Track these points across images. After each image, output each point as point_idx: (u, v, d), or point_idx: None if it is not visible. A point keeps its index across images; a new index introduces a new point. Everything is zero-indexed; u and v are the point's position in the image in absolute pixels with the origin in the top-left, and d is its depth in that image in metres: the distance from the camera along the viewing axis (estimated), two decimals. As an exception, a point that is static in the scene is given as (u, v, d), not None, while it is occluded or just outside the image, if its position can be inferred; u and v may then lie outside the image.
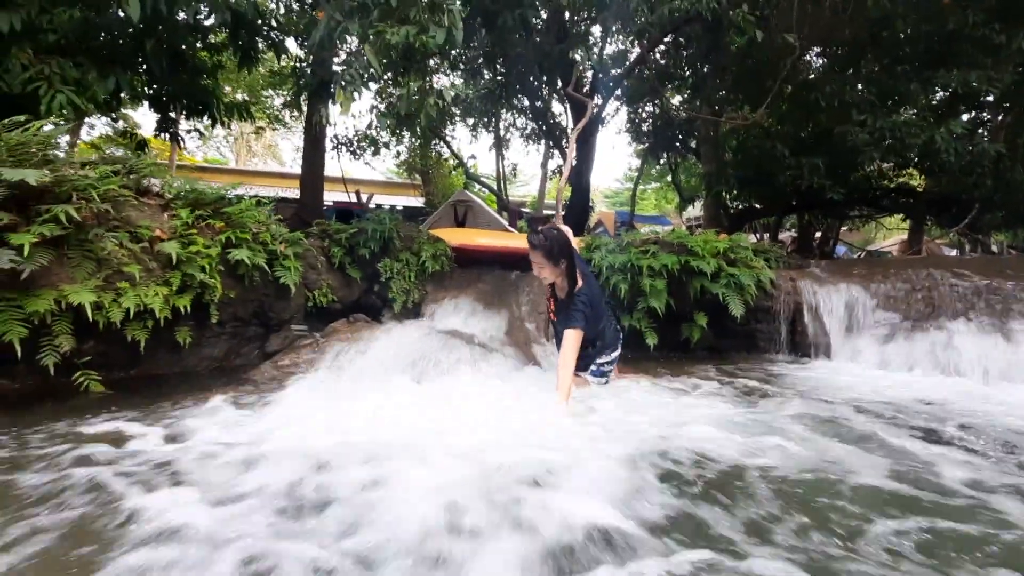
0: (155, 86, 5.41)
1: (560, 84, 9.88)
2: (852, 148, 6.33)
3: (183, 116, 5.76)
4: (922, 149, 5.97)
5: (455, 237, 4.74)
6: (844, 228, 17.04)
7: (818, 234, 13.69)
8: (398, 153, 14.71)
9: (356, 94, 3.44)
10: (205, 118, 5.64)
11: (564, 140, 11.73)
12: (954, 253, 14.29)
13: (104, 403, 2.68)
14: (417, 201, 18.39)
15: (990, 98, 8.23)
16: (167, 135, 5.83)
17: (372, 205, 16.18)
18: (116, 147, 9.77)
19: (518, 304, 4.20)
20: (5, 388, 2.76)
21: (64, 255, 2.71)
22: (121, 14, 4.47)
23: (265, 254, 3.45)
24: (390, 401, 2.46)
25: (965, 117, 9.05)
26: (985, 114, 9.36)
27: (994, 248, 15.88)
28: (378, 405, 2.38)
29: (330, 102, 7.05)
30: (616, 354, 2.92)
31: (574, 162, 5.03)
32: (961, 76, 6.17)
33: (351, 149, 12.77)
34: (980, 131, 8.83)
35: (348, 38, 3.37)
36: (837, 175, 6.70)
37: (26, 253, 2.40)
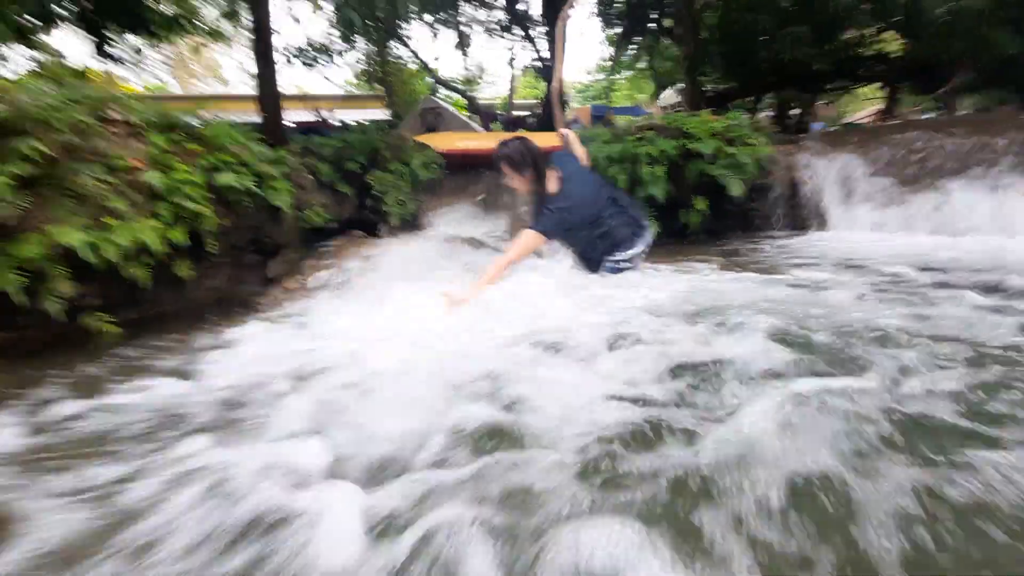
0: (82, 3, 4.82)
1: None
2: (834, 15, 6.05)
3: (119, 35, 5.19)
4: (907, 8, 5.73)
5: (439, 143, 4.54)
6: (821, 103, 16.81)
7: (793, 112, 13.50)
8: (358, 61, 13.65)
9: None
10: (139, 33, 5.10)
11: (534, 29, 11.00)
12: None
13: (129, 344, 2.66)
14: (382, 113, 17.37)
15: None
16: (105, 58, 5.29)
17: (335, 122, 15.31)
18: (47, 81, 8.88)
19: (516, 205, 4.14)
20: (8, 339, 2.68)
21: (40, 195, 2.53)
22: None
23: (252, 177, 3.27)
24: (412, 303, 2.48)
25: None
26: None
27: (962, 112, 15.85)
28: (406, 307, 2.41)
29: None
30: (635, 250, 2.91)
31: (563, 52, 4.71)
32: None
33: (304, 60, 11.81)
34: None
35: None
36: (819, 46, 6.47)
37: (4, 194, 2.23)
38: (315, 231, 3.99)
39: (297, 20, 10.62)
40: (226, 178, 3.09)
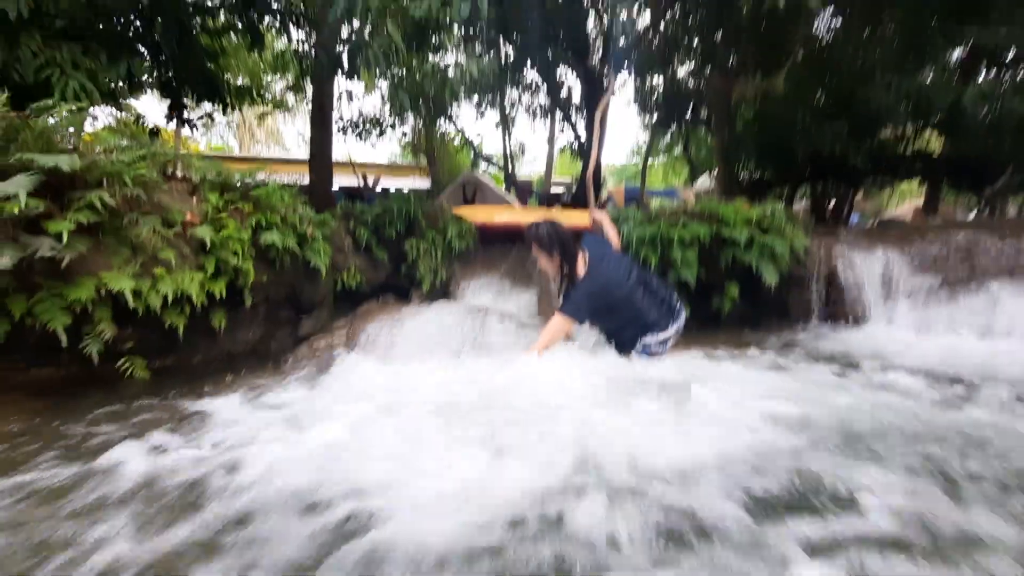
0: (164, 71, 5.33)
1: (569, 57, 9.69)
2: (876, 112, 6.18)
3: (194, 101, 5.68)
4: (950, 110, 5.81)
5: (476, 215, 4.68)
6: (858, 197, 16.83)
7: (831, 203, 13.52)
8: (404, 134, 14.51)
9: (379, 71, 3.36)
10: (215, 103, 5.56)
11: (574, 114, 11.56)
12: (970, 219, 14.10)
13: (156, 388, 2.70)
14: (423, 182, 18.22)
15: (1010, 55, 8.00)
16: (178, 121, 5.76)
17: (378, 189, 16.08)
18: (124, 137, 9.73)
19: (544, 281, 4.16)
20: (51, 376, 2.77)
21: (99, 242, 2.69)
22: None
23: (295, 236, 3.42)
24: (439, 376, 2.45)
25: (982, 77, 8.84)
26: (1005, 73, 9.11)
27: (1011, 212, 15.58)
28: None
29: (338, 79, 6.92)
30: (666, 334, 2.86)
31: (601, 139, 4.93)
32: (992, 33, 5.98)
33: (357, 131, 12.63)
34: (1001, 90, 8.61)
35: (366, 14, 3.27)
36: (859, 141, 6.56)
37: (64, 241, 2.37)
38: (348, 293, 4.08)
39: (350, 97, 11.41)
40: (271, 237, 3.23)
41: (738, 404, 2.02)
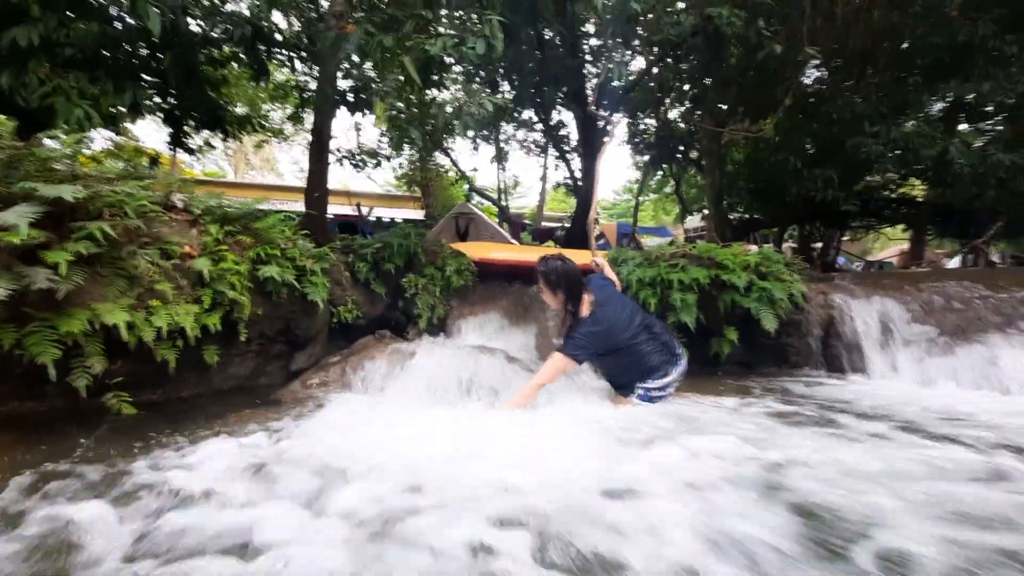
0: (168, 100, 5.36)
1: (565, 98, 9.94)
2: (865, 159, 6.36)
3: (196, 130, 5.70)
4: (936, 160, 6.01)
5: (475, 251, 4.68)
6: (844, 239, 17.21)
7: (818, 244, 13.78)
8: (401, 165, 14.66)
9: (391, 105, 3.39)
10: (215, 131, 5.59)
11: (569, 152, 11.79)
12: (954, 263, 14.43)
13: (148, 425, 2.60)
14: (417, 213, 18.35)
15: (988, 108, 8.34)
16: (178, 148, 5.76)
17: (371, 218, 16.14)
18: (119, 161, 9.73)
19: (543, 319, 4.14)
20: (34, 410, 2.66)
21: (96, 273, 2.63)
22: (137, 26, 4.43)
23: (294, 270, 3.38)
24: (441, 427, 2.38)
25: (963, 127, 9.18)
26: (986, 124, 9.48)
27: (994, 258, 15.91)
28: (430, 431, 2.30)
29: (341, 112, 7.02)
30: (668, 379, 2.84)
31: (600, 179, 5.02)
32: (974, 87, 6.25)
33: (354, 162, 12.73)
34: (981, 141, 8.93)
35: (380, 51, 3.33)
36: (847, 186, 6.73)
37: (63, 272, 2.32)
38: (343, 327, 4.02)
39: (358, 129, 11.56)
40: (270, 270, 3.19)
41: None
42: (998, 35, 6.64)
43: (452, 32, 3.21)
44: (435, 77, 4.21)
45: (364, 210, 15.77)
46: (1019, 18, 6.94)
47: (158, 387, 3.15)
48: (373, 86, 3.43)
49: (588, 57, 9.43)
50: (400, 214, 18.54)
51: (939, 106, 7.55)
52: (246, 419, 2.68)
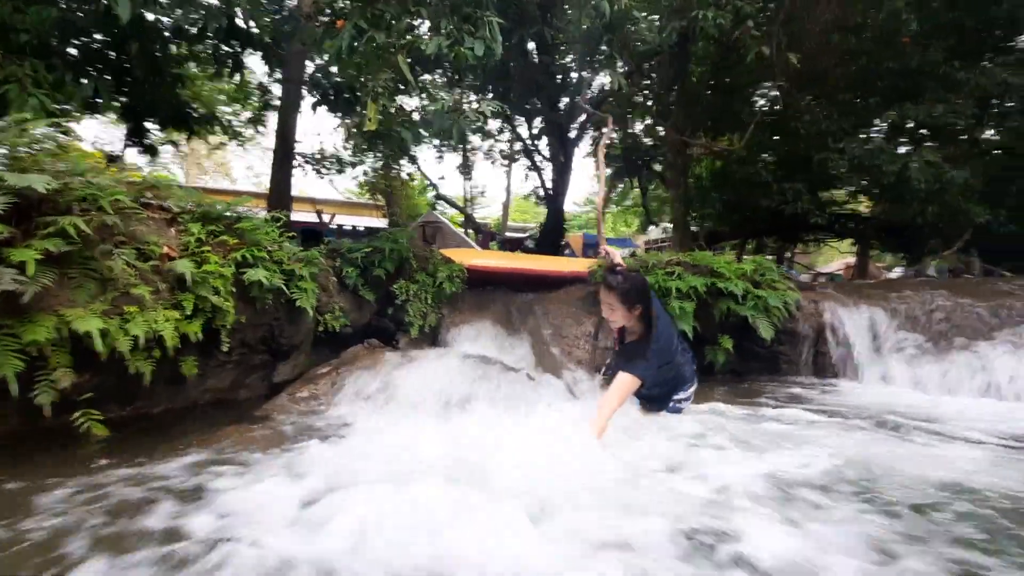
0: (128, 95, 4.98)
1: (538, 106, 9.97)
2: (833, 174, 6.63)
3: (159, 128, 5.32)
4: (897, 176, 6.32)
5: (463, 257, 4.55)
6: (796, 251, 18.02)
7: (769, 257, 14.36)
8: (366, 172, 14.32)
9: (384, 104, 3.24)
10: (181, 130, 5.23)
11: (542, 162, 11.84)
12: (894, 275, 15.32)
13: (126, 448, 2.31)
14: (379, 222, 17.93)
15: (923, 131, 8.90)
16: (139, 148, 5.37)
17: (332, 226, 15.65)
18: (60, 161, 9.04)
19: (539, 328, 4.04)
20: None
21: (64, 274, 2.34)
22: (101, 12, 4.10)
23: (282, 275, 3.15)
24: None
25: (902, 150, 9.79)
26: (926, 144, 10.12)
27: (931, 272, 16.82)
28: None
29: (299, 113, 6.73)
30: (693, 388, 2.80)
31: (602, 185, 5.02)
32: (927, 109, 6.64)
33: (317, 167, 12.31)
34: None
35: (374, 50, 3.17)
36: (817, 200, 7.00)
37: (30, 272, 2.04)
38: (328, 336, 3.79)
39: (348, 130, 11.18)
40: (256, 274, 2.95)
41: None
42: (948, 61, 7.11)
43: (445, 32, 3.08)
44: (428, 78, 4.06)
45: (325, 217, 15.29)
46: (966, 47, 7.47)
47: (127, 403, 2.84)
48: (367, 84, 3.23)
49: (564, 70, 9.49)
50: (362, 222, 18.08)
51: (909, 124, 7.96)
52: (239, 442, 2.42)
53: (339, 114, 6.01)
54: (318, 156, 12.12)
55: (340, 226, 16.33)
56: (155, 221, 2.86)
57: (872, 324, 3.75)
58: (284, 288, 3.13)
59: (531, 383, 3.18)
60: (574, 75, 7.69)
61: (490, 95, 9.12)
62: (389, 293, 3.95)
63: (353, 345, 3.76)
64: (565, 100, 9.52)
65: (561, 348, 3.88)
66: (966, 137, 7.89)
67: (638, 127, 13.66)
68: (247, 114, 12.15)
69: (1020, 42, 7.70)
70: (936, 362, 3.39)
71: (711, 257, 4.06)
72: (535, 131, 11.46)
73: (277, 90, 9.16)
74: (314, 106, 5.86)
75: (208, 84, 10.37)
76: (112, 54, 4.52)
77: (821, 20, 6.65)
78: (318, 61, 7.13)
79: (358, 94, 4.62)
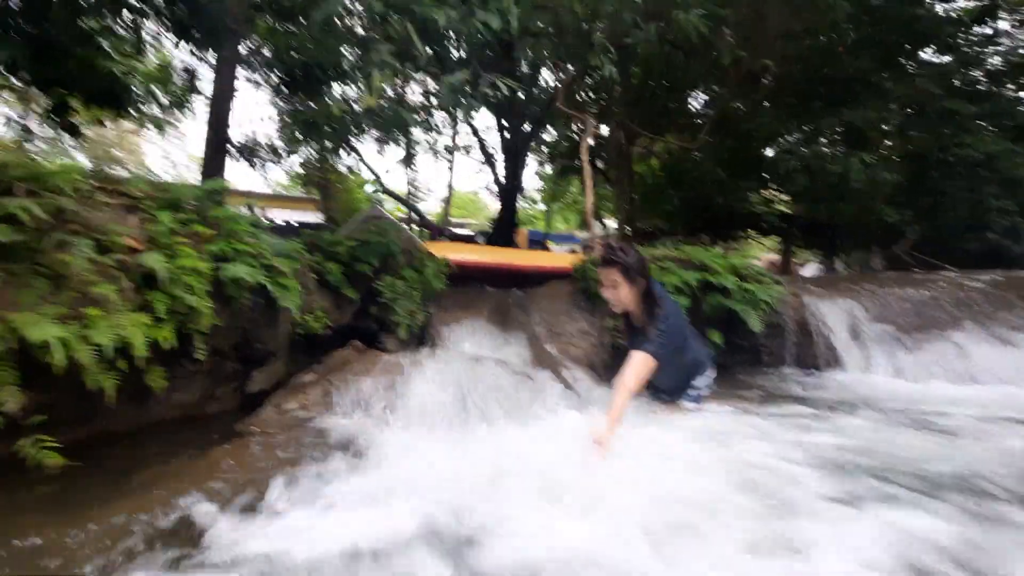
0: (51, 66, 4.25)
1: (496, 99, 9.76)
2: (781, 174, 6.95)
3: (84, 106, 4.61)
4: (839, 176, 6.72)
5: (444, 252, 4.30)
6: (724, 247, 19.02)
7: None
8: (303, 163, 13.49)
9: (389, 77, 2.90)
10: (114, 108, 4.55)
11: (495, 158, 11.64)
12: (809, 271, 16.51)
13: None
14: (315, 216, 16.95)
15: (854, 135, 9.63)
16: (63, 127, 4.62)
17: (264, 220, 14.62)
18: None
19: (531, 324, 3.88)
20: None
21: (7, 271, 1.89)
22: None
23: (264, 271, 2.77)
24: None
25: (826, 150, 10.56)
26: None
27: (838, 267, 18.16)
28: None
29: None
30: (711, 374, 2.72)
31: (588, 183, 4.91)
32: (861, 114, 7.12)
33: (249, 158, 11.41)
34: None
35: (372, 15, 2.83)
36: (765, 199, 7.32)
37: (-29, 267, 1.61)
38: (307, 339, 3.42)
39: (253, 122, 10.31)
40: (237, 270, 2.58)
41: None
42: (876, 71, 7.67)
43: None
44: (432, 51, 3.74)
45: (257, 211, 14.20)
46: (892, 58, 8.10)
47: (83, 423, 2.38)
48: (369, 57, 2.86)
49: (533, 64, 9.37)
50: (295, 216, 16.99)
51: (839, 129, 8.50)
52: (229, 471, 2.06)
53: (299, 96, 5.48)
54: (251, 145, 11.23)
55: (271, 221, 15.27)
56: (112, 208, 2.41)
57: (851, 316, 3.91)
58: (268, 286, 2.76)
59: (538, 384, 3.01)
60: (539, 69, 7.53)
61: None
62: (371, 291, 3.63)
63: (331, 349, 3.42)
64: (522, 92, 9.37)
65: (557, 346, 3.74)
66: (891, 143, 8.59)
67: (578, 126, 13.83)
68: (165, 99, 11.03)
69: (936, 56, 8.46)
70: (913, 351, 3.59)
71: (701, 252, 4.07)
72: (489, 125, 11.24)
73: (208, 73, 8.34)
74: (276, 88, 5.32)
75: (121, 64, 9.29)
76: (29, 21, 3.84)
77: (771, 27, 6.94)
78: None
79: (329, 73, 4.19)
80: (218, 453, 2.24)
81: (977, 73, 8.68)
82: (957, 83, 8.21)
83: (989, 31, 8.57)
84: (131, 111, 4.66)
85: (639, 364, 2.28)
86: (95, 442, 2.37)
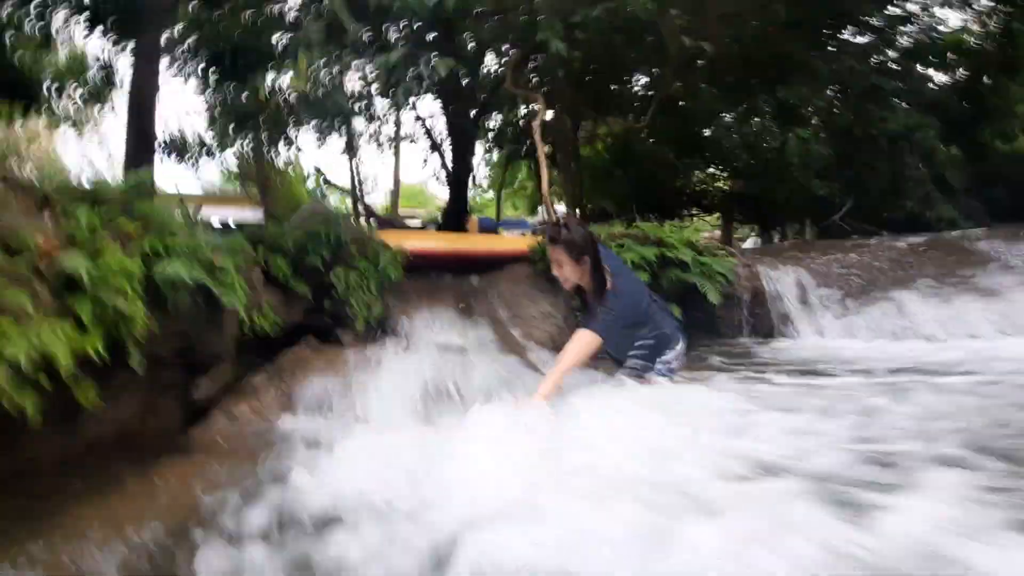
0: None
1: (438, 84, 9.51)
2: (723, 152, 7.15)
3: None
4: (776, 151, 6.98)
5: (402, 240, 4.14)
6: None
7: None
8: (239, 158, 12.75)
9: (316, 56, 2.71)
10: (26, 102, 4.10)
11: (442, 146, 11.40)
12: (748, 245, 17.29)
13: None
14: (254, 214, 16.10)
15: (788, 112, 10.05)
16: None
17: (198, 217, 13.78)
18: None
19: (493, 309, 3.81)
20: None
21: None
22: None
23: (203, 268, 2.55)
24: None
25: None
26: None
27: (774, 240, 18.84)
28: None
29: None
30: (681, 347, 2.73)
31: (543, 163, 4.83)
32: (795, 92, 7.40)
33: (177, 154, 10.64)
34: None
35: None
36: (712, 177, 7.52)
37: None
38: (254, 339, 3.20)
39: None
40: (174, 268, 2.35)
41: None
42: (806, 51, 7.98)
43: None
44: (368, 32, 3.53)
45: (191, 210, 13.33)
46: (819, 39, 8.44)
47: (2, 452, 2.11)
48: (298, 38, 2.66)
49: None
50: (232, 215, 16.09)
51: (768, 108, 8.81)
52: (185, 495, 1.87)
53: (228, 87, 5.14)
54: (179, 141, 10.48)
55: (207, 220, 14.39)
56: (20, 204, 2.14)
57: (799, 284, 4.06)
58: (208, 284, 2.54)
59: (507, 369, 2.95)
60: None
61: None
62: (323, 284, 3.44)
63: (280, 347, 3.23)
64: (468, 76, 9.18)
65: (521, 330, 3.69)
66: (821, 121, 9.01)
67: (523, 111, 13.77)
68: (78, 95, 10.06)
69: (859, 35, 8.91)
70: (859, 313, 3.77)
71: (657, 228, 4.10)
72: (434, 113, 11.01)
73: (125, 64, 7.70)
74: (203, 71, 4.95)
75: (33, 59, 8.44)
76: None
77: (710, 8, 7.07)
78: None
79: (259, 59, 3.92)
80: (159, 475, 2.04)
81: (891, 53, 9.24)
82: (875, 62, 8.71)
83: (899, 11, 9.10)
84: (41, 107, 4.20)
85: (580, 342, 2.28)
86: (23, 474, 2.12)
